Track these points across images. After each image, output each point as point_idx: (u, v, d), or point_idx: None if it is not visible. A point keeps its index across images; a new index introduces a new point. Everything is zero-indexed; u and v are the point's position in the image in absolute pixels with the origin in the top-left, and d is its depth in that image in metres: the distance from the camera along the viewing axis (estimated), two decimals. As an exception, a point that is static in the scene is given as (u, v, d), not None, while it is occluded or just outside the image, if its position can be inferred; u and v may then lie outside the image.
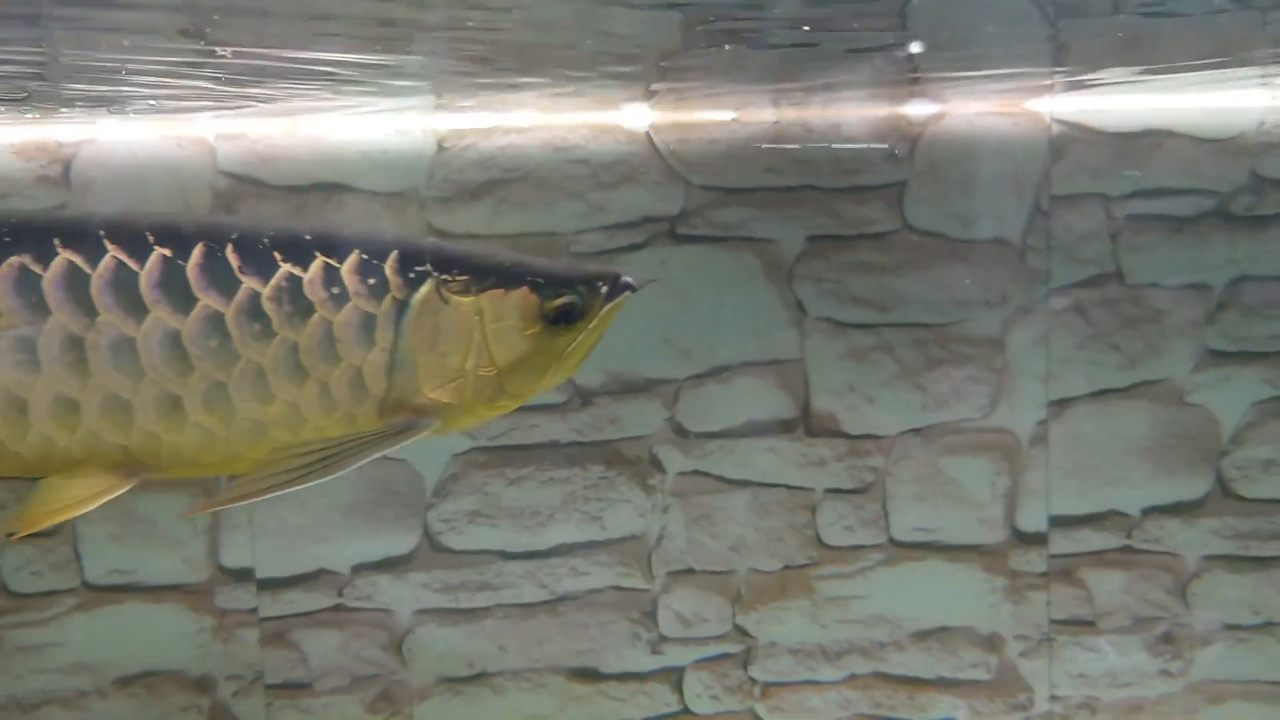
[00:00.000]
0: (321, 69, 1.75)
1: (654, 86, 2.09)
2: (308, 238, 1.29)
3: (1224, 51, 2.03)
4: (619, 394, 2.22)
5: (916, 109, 2.18)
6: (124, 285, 1.23)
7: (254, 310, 1.24)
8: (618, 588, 2.29)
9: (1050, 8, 1.98)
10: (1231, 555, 2.29)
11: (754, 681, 2.32)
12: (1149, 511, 2.29)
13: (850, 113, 2.19)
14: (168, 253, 1.22)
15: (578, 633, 2.29)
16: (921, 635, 2.33)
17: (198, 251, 1.23)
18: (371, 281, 1.28)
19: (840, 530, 2.30)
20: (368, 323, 1.28)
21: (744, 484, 2.28)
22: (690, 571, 2.29)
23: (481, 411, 1.39)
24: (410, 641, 2.26)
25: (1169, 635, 2.31)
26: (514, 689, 2.29)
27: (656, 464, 2.26)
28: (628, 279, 1.41)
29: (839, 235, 2.22)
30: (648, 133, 2.17)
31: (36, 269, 1.21)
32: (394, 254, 1.31)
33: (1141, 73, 2.12)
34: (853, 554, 2.31)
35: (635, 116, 2.16)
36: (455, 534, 2.24)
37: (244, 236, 1.27)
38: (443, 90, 2.04)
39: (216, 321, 1.23)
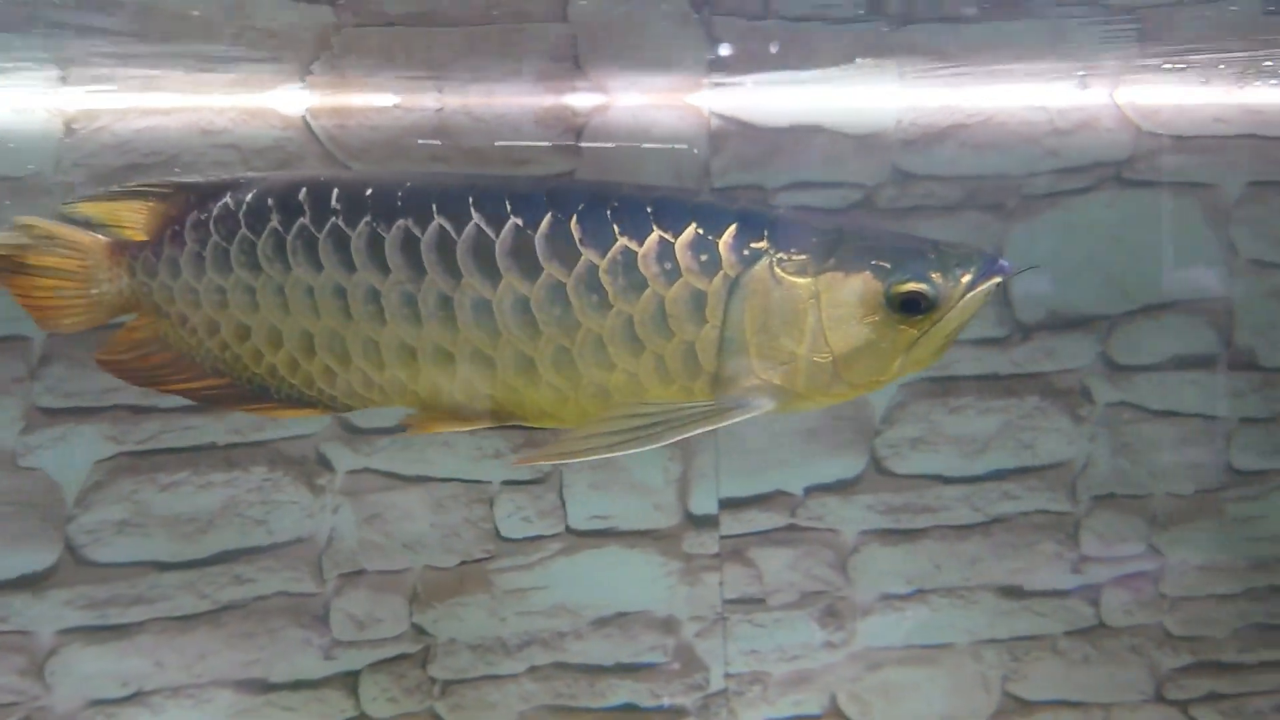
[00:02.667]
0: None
1: (311, 69, 2.01)
2: (649, 209, 1.26)
3: (862, 52, 2.15)
4: (279, 391, 2.12)
5: (581, 100, 2.19)
6: (482, 252, 1.26)
7: (592, 282, 1.25)
8: (286, 593, 2.19)
9: (707, 7, 2.04)
10: (885, 529, 2.43)
11: (433, 680, 2.28)
12: (811, 490, 2.40)
13: (514, 102, 2.17)
14: (519, 222, 1.26)
15: (243, 642, 2.18)
16: (601, 623, 2.35)
17: (545, 221, 1.26)
18: (704, 257, 1.24)
19: (518, 522, 2.29)
20: (699, 299, 1.24)
21: (419, 480, 2.23)
22: (363, 572, 2.23)
23: (819, 398, 1.30)
24: (53, 664, 2.08)
25: (832, 608, 2.43)
26: (173, 707, 2.15)
27: (325, 463, 2.18)
28: (1002, 263, 1.25)
29: (509, 226, 2.20)
30: (304, 117, 2.09)
31: (416, 232, 1.27)
32: (731, 228, 1.25)
33: (790, 71, 2.22)
34: (531, 545, 2.30)
35: (290, 100, 2.07)
36: (101, 546, 2.09)
37: (590, 207, 1.27)
38: (67, 64, 1.89)
39: (559, 290, 1.25)
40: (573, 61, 2.07)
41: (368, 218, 1.29)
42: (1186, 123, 2.31)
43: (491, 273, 1.26)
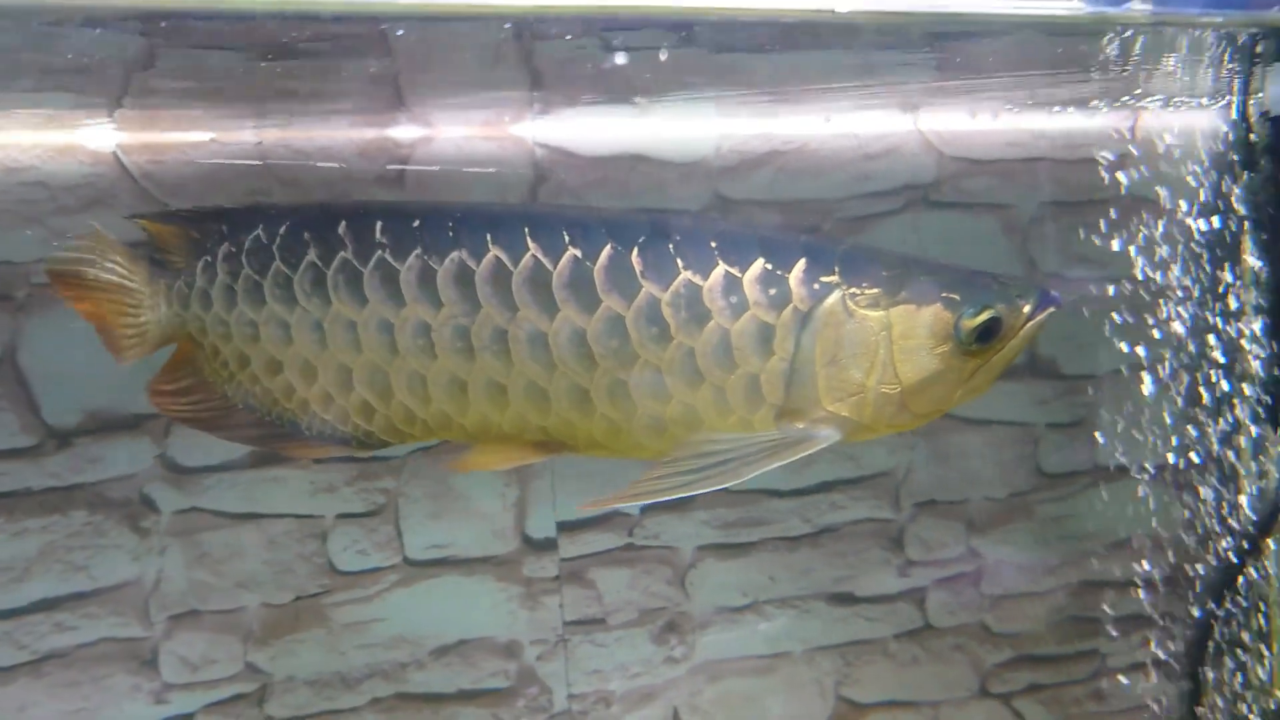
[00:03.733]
0: None
1: (121, 103, 1.97)
2: (712, 244, 1.24)
3: (679, 82, 2.22)
4: (98, 432, 2.07)
5: (403, 132, 2.21)
6: (539, 283, 1.24)
7: (652, 315, 1.24)
8: (112, 639, 2.13)
9: (527, 38, 2.08)
10: (721, 544, 2.49)
11: (270, 719, 2.24)
12: (647, 509, 2.45)
13: (335, 134, 2.17)
14: (578, 253, 1.24)
15: (67, 692, 2.11)
16: (442, 651, 2.35)
17: (605, 253, 1.23)
18: (772, 291, 1.23)
19: (354, 555, 2.28)
20: (766, 332, 1.24)
21: (250, 517, 2.20)
22: (194, 613, 2.18)
23: (882, 428, 1.30)
24: None
25: (672, 624, 2.49)
26: (-7, 764, 2.08)
27: (150, 504, 2.14)
28: (1054, 294, 1.28)
29: (335, 258, 2.20)
30: (115, 153, 2.05)
31: (471, 265, 1.25)
32: (800, 262, 1.24)
33: (612, 100, 2.27)
34: (368, 578, 2.30)
35: (99, 136, 2.03)
36: (-92, 600, 2.00)
37: (650, 240, 1.25)
38: None
39: (618, 323, 1.24)
40: (394, 93, 2.08)
41: (418, 250, 1.27)
42: (984, 147, 2.46)
43: (548, 304, 1.25)
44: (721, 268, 1.25)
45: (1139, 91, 2.16)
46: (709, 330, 1.25)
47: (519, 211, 1.31)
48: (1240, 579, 2.01)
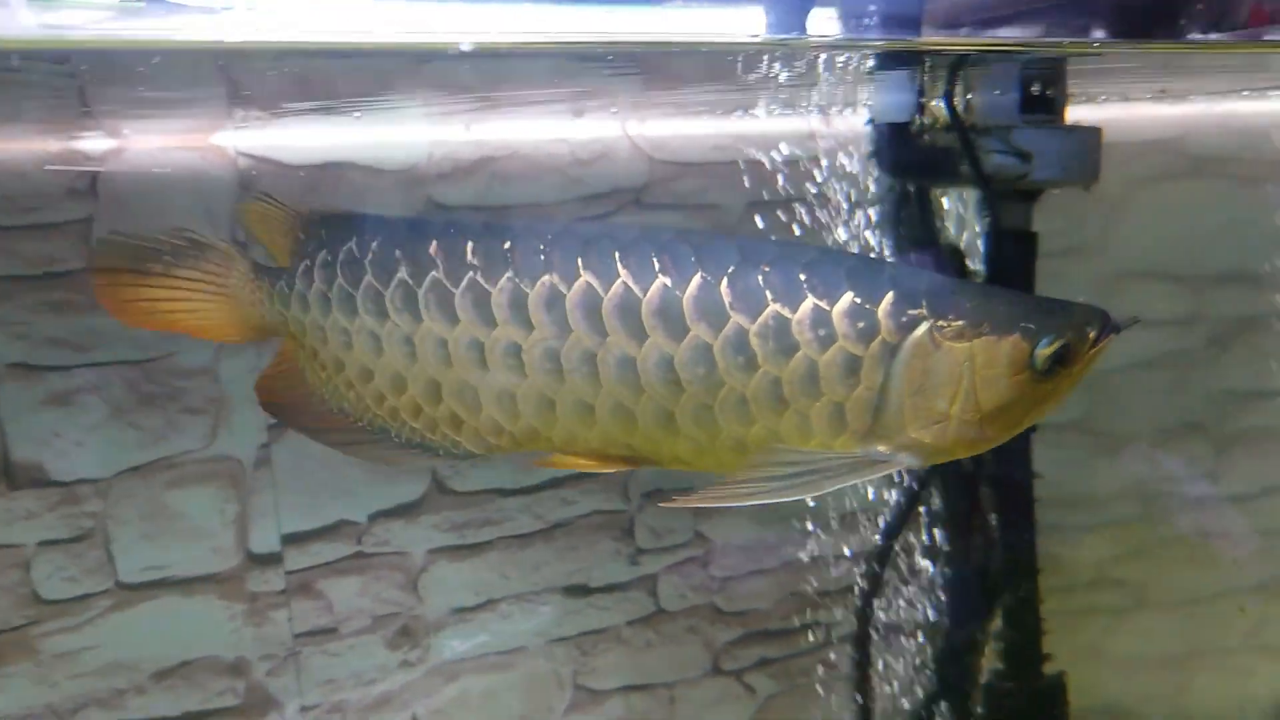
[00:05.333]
0: None
1: None
2: (801, 276, 1.27)
3: (385, 89, 2.22)
4: None
5: (93, 144, 2.13)
6: (629, 310, 1.27)
7: (740, 344, 1.26)
8: None
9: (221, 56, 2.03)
10: (452, 545, 2.52)
11: (-27, 761, 2.15)
12: (375, 517, 2.46)
13: (17, 146, 2.08)
14: (667, 282, 1.26)
15: None
16: (163, 674, 2.30)
17: (694, 283, 1.26)
18: (861, 325, 1.26)
19: (60, 583, 2.20)
20: (853, 364, 1.26)
21: (-60, 550, 2.10)
22: (-121, 657, 2.06)
23: (959, 452, 1.32)
24: None
25: (406, 628, 2.50)
26: None
27: None
28: (1115, 321, 1.30)
29: (24, 275, 2.11)
30: None
31: (562, 289, 1.27)
32: (888, 296, 1.25)
33: (317, 108, 2.25)
34: (78, 605, 2.22)
35: None
36: None
37: (740, 270, 1.27)
38: None
39: (705, 351, 1.27)
40: (79, 103, 2.01)
41: (509, 274, 1.29)
42: (692, 151, 2.56)
43: (637, 331, 1.27)
44: (810, 301, 1.28)
45: (818, 100, 2.31)
46: (796, 360, 1.28)
47: (609, 234, 1.31)
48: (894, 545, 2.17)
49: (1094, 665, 3.06)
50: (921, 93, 1.81)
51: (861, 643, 2.17)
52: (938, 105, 1.76)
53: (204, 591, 2.32)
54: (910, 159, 1.83)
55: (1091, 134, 1.71)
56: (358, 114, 2.29)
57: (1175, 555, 3.09)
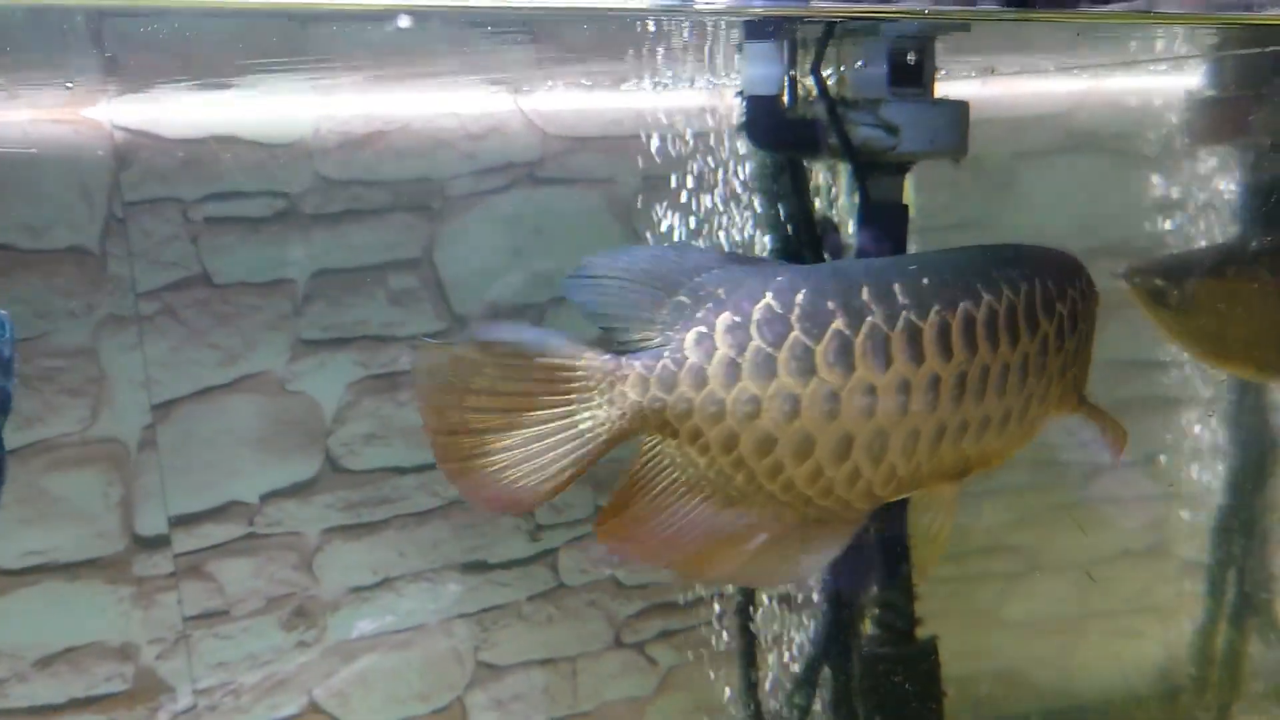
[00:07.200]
0: None
1: None
2: (1039, 317, 1.35)
3: (269, 61, 2.18)
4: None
5: (-43, 116, 2.06)
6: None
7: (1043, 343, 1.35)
8: None
9: (94, 17, 1.97)
10: (347, 525, 2.50)
11: None
12: (268, 497, 2.42)
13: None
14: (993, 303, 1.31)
15: None
16: (46, 661, 2.24)
17: (1004, 303, 1.32)
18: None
19: (-66, 570, 2.13)
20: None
21: None
22: None
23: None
24: None
25: (301, 609, 2.47)
26: None
27: None
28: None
29: (-112, 254, 2.04)
30: None
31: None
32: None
33: (197, 81, 2.20)
34: (-46, 593, 2.16)
35: None
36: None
37: (990, 308, 1.31)
38: None
39: (1024, 356, 1.33)
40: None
41: (937, 306, 1.28)
42: (588, 126, 2.55)
43: (993, 347, 1.32)
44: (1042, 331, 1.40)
45: (709, 75, 2.31)
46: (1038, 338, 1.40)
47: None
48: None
49: (988, 629, 3.14)
50: (793, 65, 1.83)
51: (744, 611, 2.19)
52: (808, 78, 1.78)
53: (89, 576, 2.26)
54: (780, 132, 1.84)
55: (960, 107, 1.74)
56: (239, 86, 2.24)
57: (1065, 521, 3.18)
